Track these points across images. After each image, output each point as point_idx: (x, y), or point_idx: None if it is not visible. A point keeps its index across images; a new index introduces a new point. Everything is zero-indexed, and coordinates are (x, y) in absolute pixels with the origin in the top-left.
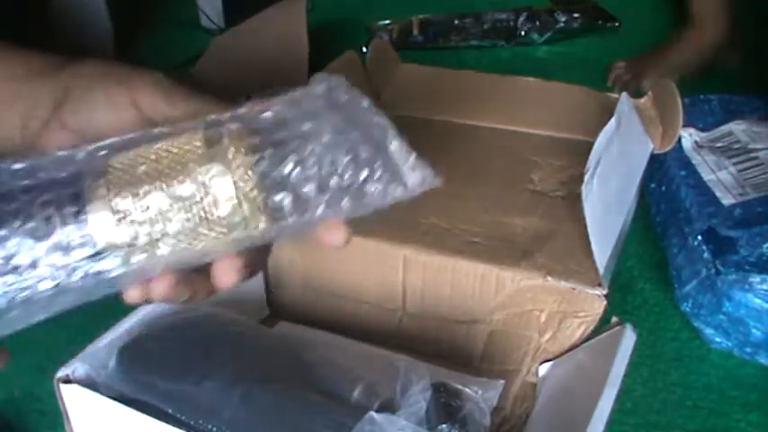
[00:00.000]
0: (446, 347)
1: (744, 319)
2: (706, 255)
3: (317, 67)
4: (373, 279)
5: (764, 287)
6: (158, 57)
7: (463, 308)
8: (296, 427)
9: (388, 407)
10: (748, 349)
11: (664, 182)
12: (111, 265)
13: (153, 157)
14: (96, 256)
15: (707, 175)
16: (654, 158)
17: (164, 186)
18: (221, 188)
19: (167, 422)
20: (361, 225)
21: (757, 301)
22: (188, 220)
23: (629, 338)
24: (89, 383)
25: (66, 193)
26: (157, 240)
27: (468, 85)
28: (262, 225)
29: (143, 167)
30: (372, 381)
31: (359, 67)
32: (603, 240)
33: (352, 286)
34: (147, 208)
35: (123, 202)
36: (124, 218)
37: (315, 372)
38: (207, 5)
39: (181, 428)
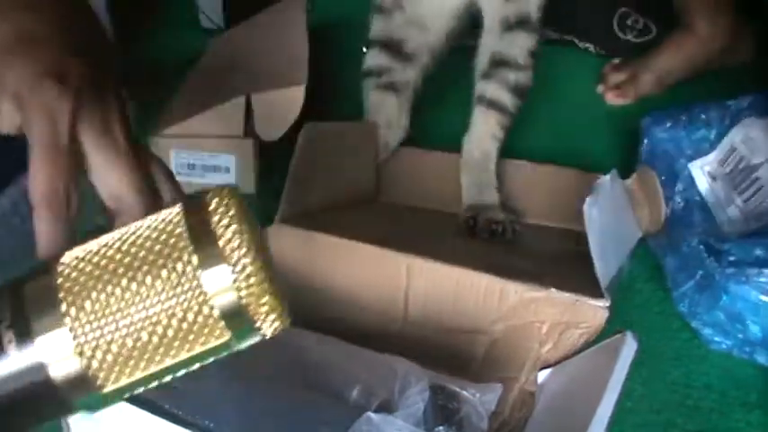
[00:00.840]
0: (446, 356)
1: (741, 313)
2: (703, 254)
3: (317, 67)
4: (376, 285)
5: (762, 279)
6: (158, 57)
7: (465, 318)
8: (293, 425)
9: (386, 407)
10: (747, 348)
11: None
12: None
13: (117, 246)
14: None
15: (720, 217)
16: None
17: (134, 284)
18: (216, 279)
19: (165, 418)
20: (365, 231)
21: (754, 293)
22: (172, 323)
23: (629, 346)
24: None
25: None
26: (130, 358)
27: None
28: (274, 320)
29: (104, 260)
30: (370, 382)
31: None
32: (605, 251)
33: (354, 292)
34: (117, 316)
35: (82, 312)
36: (85, 332)
37: (313, 372)
38: (207, 5)
39: (178, 425)
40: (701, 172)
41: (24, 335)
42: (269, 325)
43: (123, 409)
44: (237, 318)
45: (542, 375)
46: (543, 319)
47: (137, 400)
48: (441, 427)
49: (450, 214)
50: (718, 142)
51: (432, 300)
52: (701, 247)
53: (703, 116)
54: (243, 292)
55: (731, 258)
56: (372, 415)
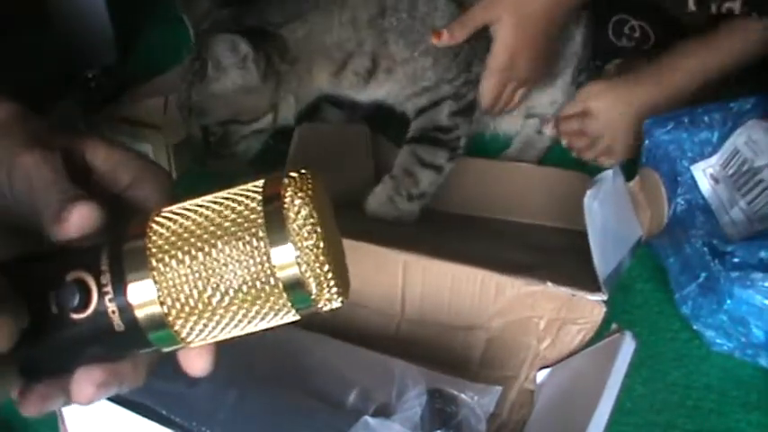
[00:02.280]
0: (444, 353)
1: (745, 317)
2: (707, 256)
3: None
4: (373, 283)
5: (767, 284)
6: (158, 57)
7: (462, 314)
8: (289, 431)
9: (384, 411)
10: (749, 351)
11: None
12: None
13: (201, 213)
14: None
15: (722, 218)
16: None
17: (213, 250)
18: (283, 257)
19: (161, 423)
20: (361, 230)
21: (758, 297)
22: (241, 288)
23: (628, 345)
24: None
25: (101, 258)
26: (203, 311)
27: (465, 173)
28: (333, 299)
29: (190, 225)
30: (368, 385)
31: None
32: (604, 244)
33: (351, 290)
34: (196, 275)
35: (167, 268)
36: (168, 286)
37: (311, 375)
38: None
39: (175, 430)
40: (704, 174)
41: (119, 282)
42: (325, 300)
43: (119, 414)
44: (297, 290)
45: (541, 375)
46: (541, 315)
47: (132, 405)
48: (438, 431)
49: (446, 213)
50: (720, 144)
51: (428, 296)
52: (705, 249)
53: (706, 118)
54: (304, 270)
55: (735, 260)
56: (370, 419)
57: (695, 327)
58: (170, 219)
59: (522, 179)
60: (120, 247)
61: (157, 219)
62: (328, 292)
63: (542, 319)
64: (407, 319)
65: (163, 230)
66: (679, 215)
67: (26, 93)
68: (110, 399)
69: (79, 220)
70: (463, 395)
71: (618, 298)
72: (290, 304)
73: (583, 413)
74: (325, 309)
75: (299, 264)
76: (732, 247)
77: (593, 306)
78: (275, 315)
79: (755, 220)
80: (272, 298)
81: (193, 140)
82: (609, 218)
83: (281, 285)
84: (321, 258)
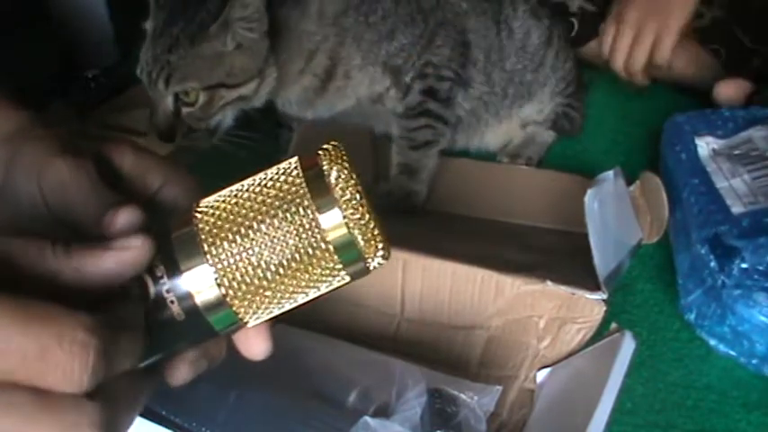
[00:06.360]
0: (443, 353)
1: (748, 333)
2: (712, 264)
3: None
4: (372, 283)
5: None
6: None
7: (462, 313)
8: (289, 431)
9: (383, 411)
10: (754, 361)
11: (675, 189)
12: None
13: (243, 195)
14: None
15: (720, 183)
16: (665, 165)
17: (263, 226)
18: (331, 220)
19: (161, 424)
20: None
21: (761, 318)
22: (294, 258)
23: (628, 345)
24: None
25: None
26: (259, 287)
27: (463, 175)
28: (379, 255)
29: (234, 207)
30: (368, 385)
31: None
32: (604, 244)
33: (350, 290)
34: (249, 252)
35: (220, 250)
36: (223, 267)
37: (311, 376)
38: None
39: (174, 430)
40: (706, 145)
41: (174, 272)
42: (372, 256)
43: None
44: (347, 250)
45: (541, 375)
46: (540, 314)
47: None
48: (438, 431)
49: (446, 213)
50: (734, 135)
51: (428, 296)
52: (710, 256)
53: (729, 115)
54: (352, 227)
55: (744, 266)
56: (369, 419)
57: (700, 334)
58: (213, 206)
59: (522, 181)
60: (169, 240)
61: (200, 208)
62: (375, 247)
63: (542, 319)
64: (407, 319)
65: (208, 217)
66: (673, 167)
67: (26, 93)
68: None
69: (124, 224)
70: (463, 395)
71: (618, 298)
72: (341, 266)
73: (583, 413)
74: (371, 266)
75: (347, 224)
76: (742, 242)
77: (593, 305)
78: (328, 280)
79: (760, 194)
80: (323, 262)
81: (160, 115)
82: (609, 217)
83: (331, 248)
84: (366, 216)
